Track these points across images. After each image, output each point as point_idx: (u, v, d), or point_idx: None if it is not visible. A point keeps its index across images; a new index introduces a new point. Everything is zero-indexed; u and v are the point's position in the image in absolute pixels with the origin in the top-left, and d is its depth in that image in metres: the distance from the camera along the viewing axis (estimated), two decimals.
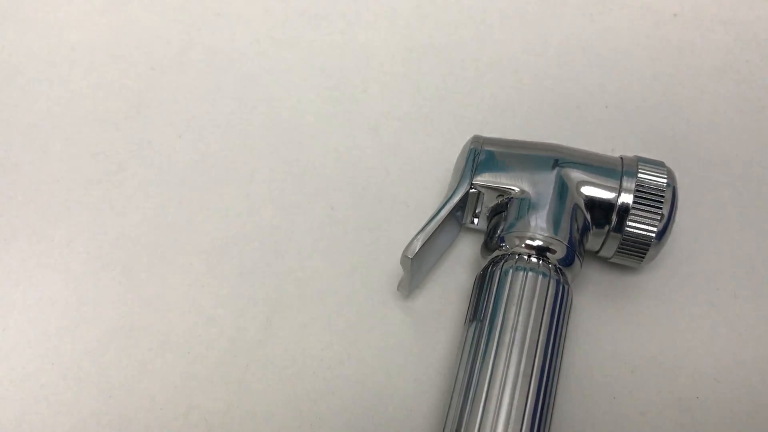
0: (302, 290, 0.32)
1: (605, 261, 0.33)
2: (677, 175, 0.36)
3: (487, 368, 0.26)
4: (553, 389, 0.27)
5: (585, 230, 0.31)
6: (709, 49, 0.41)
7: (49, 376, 0.30)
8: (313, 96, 0.38)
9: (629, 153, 0.36)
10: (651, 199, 0.30)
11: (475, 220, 0.33)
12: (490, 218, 0.32)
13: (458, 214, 0.33)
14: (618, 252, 0.31)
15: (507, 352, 0.27)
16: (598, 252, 0.32)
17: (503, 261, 0.29)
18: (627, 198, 0.30)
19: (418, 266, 0.31)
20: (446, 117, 0.38)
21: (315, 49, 0.40)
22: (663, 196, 0.30)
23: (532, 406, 0.26)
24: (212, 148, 0.37)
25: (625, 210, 0.30)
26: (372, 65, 0.40)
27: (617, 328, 0.32)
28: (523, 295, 0.28)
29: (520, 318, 0.27)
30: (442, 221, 0.31)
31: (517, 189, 0.31)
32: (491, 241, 0.31)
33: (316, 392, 0.30)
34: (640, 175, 0.31)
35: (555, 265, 0.29)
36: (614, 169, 0.31)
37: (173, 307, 0.32)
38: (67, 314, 0.31)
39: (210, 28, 0.41)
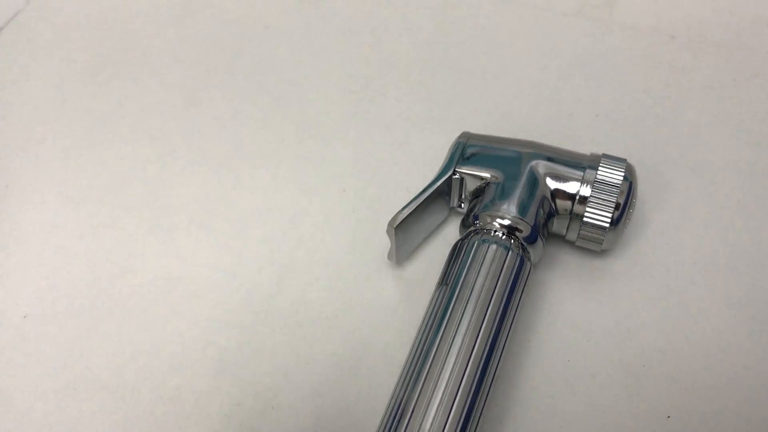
0: (311, 256, 0.38)
1: (572, 245, 0.38)
2: (654, 177, 0.40)
3: (444, 321, 0.31)
4: (502, 342, 0.32)
5: (550, 216, 0.36)
6: (699, 68, 0.45)
7: (99, 311, 0.37)
8: (338, 98, 0.45)
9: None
10: (606, 191, 0.35)
11: (463, 204, 0.38)
12: (470, 201, 0.37)
13: (446, 198, 0.38)
14: (579, 236, 0.36)
15: (462, 308, 0.32)
16: (565, 236, 0.37)
17: (474, 234, 0.35)
18: (586, 189, 0.35)
19: (403, 237, 0.36)
20: (452, 120, 0.43)
21: (345, 59, 0.47)
22: (618, 188, 0.35)
23: (479, 355, 0.31)
24: (249, 138, 0.43)
25: (584, 199, 0.35)
26: (392, 73, 0.46)
27: (579, 303, 0.36)
28: (484, 262, 0.33)
29: (478, 281, 0.32)
30: (430, 201, 0.37)
31: (493, 177, 0.36)
32: (467, 219, 0.36)
33: (313, 338, 0.36)
34: (600, 169, 0.35)
35: (520, 242, 0.34)
36: (579, 164, 0.36)
37: (204, 263, 0.38)
38: (119, 264, 0.38)
39: (259, 38, 0.48)
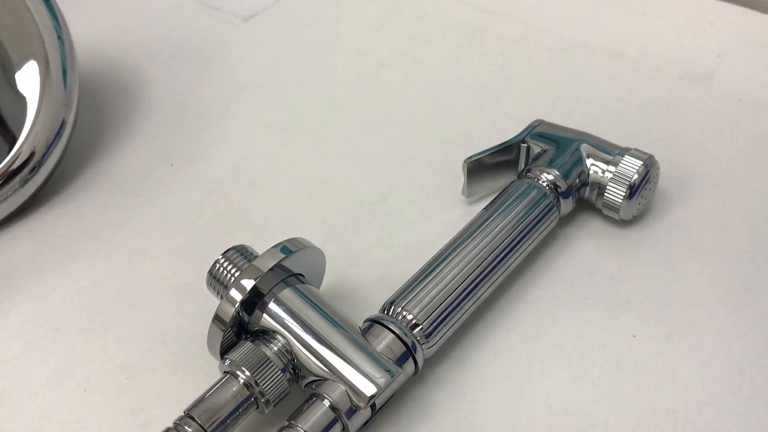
0: (410, 185, 0.53)
1: (600, 213, 0.50)
2: (685, 188, 0.51)
3: (472, 228, 0.45)
4: (517, 252, 0.44)
5: (584, 184, 0.48)
6: (754, 124, 0.56)
7: (260, 190, 0.54)
8: (462, 95, 0.61)
9: None
10: (627, 171, 0.47)
11: None
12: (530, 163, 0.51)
13: (516, 164, 0.52)
14: (603, 204, 0.48)
15: (491, 222, 0.45)
16: (594, 204, 0.49)
17: (524, 179, 0.48)
18: (612, 168, 0.48)
19: (474, 179, 0.50)
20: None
21: (477, 72, 0.63)
22: (636, 170, 0.47)
23: (492, 251, 0.43)
24: (393, 108, 0.60)
25: (609, 173, 0.47)
26: (509, 85, 0.61)
27: (594, 254, 0.48)
28: (520, 195, 0.46)
29: (510, 207, 0.45)
30: (502, 161, 0.51)
31: (550, 149, 0.50)
32: (522, 171, 0.49)
33: (396, 233, 0.50)
34: (627, 155, 0.48)
35: (556, 194, 0.47)
36: (613, 151, 0.48)
37: (337, 176, 0.55)
38: (281, 166, 0.56)
39: (423, 49, 0.66)
